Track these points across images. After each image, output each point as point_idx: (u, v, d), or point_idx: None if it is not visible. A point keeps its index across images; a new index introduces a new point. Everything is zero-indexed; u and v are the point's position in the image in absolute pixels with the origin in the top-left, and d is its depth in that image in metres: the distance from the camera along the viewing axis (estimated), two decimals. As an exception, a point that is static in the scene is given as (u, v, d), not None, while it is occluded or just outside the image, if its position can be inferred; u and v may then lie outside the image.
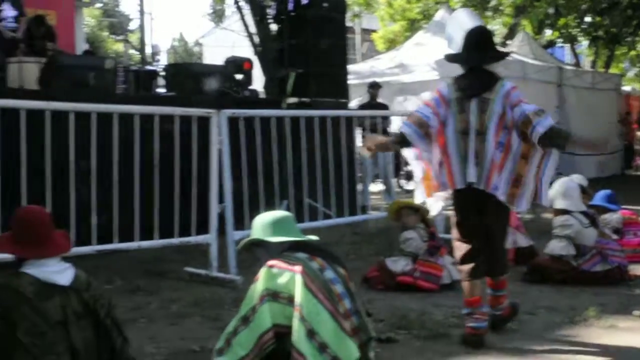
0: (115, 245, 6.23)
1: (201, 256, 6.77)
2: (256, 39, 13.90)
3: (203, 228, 6.66)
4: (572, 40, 24.62)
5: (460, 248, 4.80)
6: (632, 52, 27.64)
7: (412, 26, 25.88)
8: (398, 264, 6.30)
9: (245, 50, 14.31)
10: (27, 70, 8.40)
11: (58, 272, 3.49)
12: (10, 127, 5.88)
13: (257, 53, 13.71)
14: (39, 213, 3.66)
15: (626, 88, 25.92)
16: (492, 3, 22.90)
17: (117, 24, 40.01)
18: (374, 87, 12.18)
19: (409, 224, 6.49)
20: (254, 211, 6.81)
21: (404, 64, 15.92)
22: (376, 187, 11.70)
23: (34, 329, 3.37)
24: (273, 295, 3.63)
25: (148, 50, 22.86)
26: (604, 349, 4.62)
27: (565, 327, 5.11)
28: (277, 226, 3.84)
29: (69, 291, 3.48)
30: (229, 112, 6.75)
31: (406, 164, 14.00)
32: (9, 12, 9.59)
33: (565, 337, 4.89)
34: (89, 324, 3.53)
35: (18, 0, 9.72)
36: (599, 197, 7.60)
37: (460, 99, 4.74)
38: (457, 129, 4.71)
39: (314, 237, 3.96)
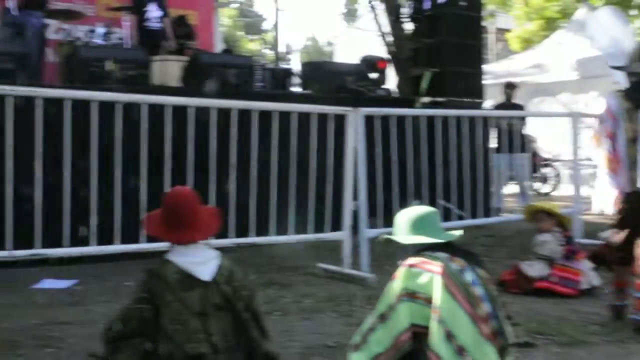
0: (252, 239, 6.38)
1: (333, 253, 6.82)
2: (389, 39, 13.87)
3: (336, 225, 6.73)
4: None
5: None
6: None
7: (550, 25, 25.16)
8: (534, 268, 6.14)
9: (377, 50, 14.30)
10: (169, 68, 8.74)
11: (201, 264, 3.54)
12: (154, 122, 6.10)
13: (390, 52, 13.68)
14: (183, 196, 3.67)
15: None
16: (637, 1, 21.96)
17: (251, 24, 40.92)
18: (510, 87, 11.91)
19: (545, 228, 6.32)
20: (387, 210, 6.89)
21: (541, 63, 15.49)
22: (511, 189, 11.46)
23: (177, 316, 3.47)
24: (412, 295, 3.59)
25: (281, 49, 23.28)
26: None
27: None
28: (418, 224, 3.76)
29: (209, 284, 3.53)
30: (365, 110, 6.77)
31: (542, 166, 13.69)
32: (155, 12, 9.98)
33: None
34: (227, 316, 3.58)
35: (163, 1, 10.11)
36: None
37: (630, 109, 5.04)
38: (627, 138, 5.05)
39: (457, 233, 3.87)
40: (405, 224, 3.80)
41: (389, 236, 3.87)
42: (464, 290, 3.56)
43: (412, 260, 3.68)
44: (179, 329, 3.46)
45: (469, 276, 3.64)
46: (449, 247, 3.73)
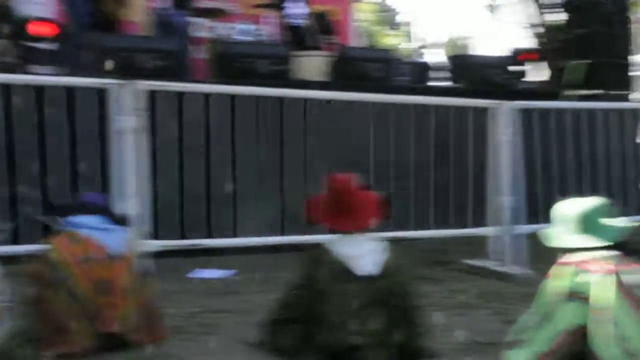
0: (410, 233, 6.37)
1: (483, 249, 6.67)
2: (538, 30, 13.52)
3: (483, 220, 6.60)
4: None
5: None
6: None
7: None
8: None
9: (520, 41, 13.95)
10: (312, 63, 8.83)
11: (360, 257, 3.52)
12: (294, 116, 6.16)
13: (539, 44, 13.34)
14: (346, 181, 3.65)
15: None
16: None
17: (389, 18, 40.86)
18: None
19: None
20: (543, 205, 6.69)
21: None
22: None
23: (334, 307, 3.48)
24: (576, 294, 3.44)
25: (419, 43, 23.15)
26: None
27: None
28: (585, 222, 3.47)
29: (368, 278, 3.52)
30: (516, 104, 6.58)
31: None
32: (297, 9, 10.13)
33: None
34: (384, 309, 3.57)
35: (305, -3, 10.25)
36: None
37: None
38: None
39: (628, 226, 3.61)
40: (569, 221, 3.59)
41: (553, 237, 3.65)
42: (634, 292, 3.38)
43: (575, 257, 3.52)
44: (335, 319, 3.48)
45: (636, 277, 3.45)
46: (618, 246, 3.53)
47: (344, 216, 3.54)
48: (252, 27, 10.22)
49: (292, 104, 6.08)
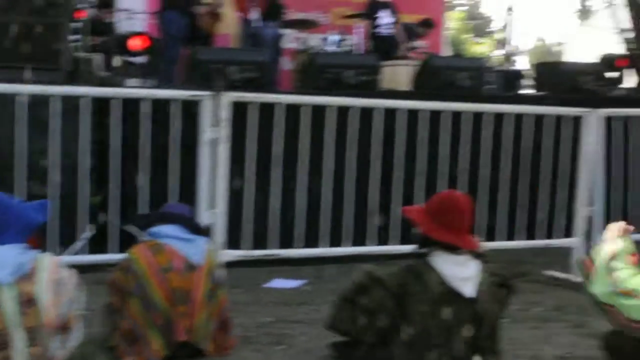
0: (496, 244, 6.21)
1: (561, 260, 6.58)
2: (629, 35, 13.16)
3: (569, 231, 6.52)
4: None
5: None
6: None
7: None
8: None
9: (612, 48, 13.62)
10: (399, 73, 8.88)
11: (467, 279, 3.52)
12: (387, 126, 6.21)
13: (630, 50, 12.98)
14: (463, 201, 3.67)
15: None
16: None
17: (479, 26, 40.44)
18: None
19: None
20: (625, 215, 6.57)
21: None
22: None
23: (424, 326, 3.48)
24: None
25: (510, 51, 22.82)
26: None
27: None
28: None
29: (468, 300, 3.52)
30: (604, 111, 6.49)
31: None
32: (386, 18, 10.21)
33: None
34: (471, 330, 3.56)
35: (394, 7, 10.30)
36: None
37: None
38: None
39: None
40: None
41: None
42: None
43: None
44: (422, 337, 3.49)
45: None
46: None
47: (457, 232, 3.54)
48: (342, 37, 10.34)
49: (378, 114, 6.11)
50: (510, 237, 6.40)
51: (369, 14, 10.37)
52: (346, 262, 6.11)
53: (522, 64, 26.78)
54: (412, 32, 10.97)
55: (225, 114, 5.21)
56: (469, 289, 3.50)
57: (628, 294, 3.36)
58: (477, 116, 6.38)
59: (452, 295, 3.48)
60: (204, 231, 4.39)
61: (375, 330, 3.61)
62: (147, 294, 3.86)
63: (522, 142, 6.54)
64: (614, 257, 3.48)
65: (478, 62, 9.71)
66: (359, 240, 6.03)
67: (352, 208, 6.04)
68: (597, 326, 4.88)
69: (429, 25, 11.51)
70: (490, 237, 6.31)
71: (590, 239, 6.36)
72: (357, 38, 10.85)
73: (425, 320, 3.47)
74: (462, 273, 3.52)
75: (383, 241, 6.08)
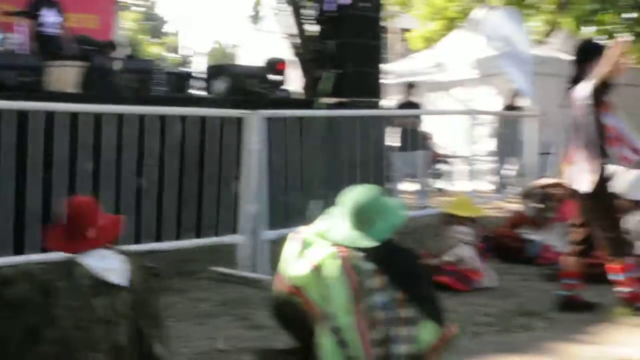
0: (147, 246, 6.33)
1: (231, 256, 6.80)
2: (295, 40, 14.02)
3: (234, 228, 6.76)
4: (612, 36, 24.31)
5: None
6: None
7: (450, 25, 25.76)
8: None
9: (283, 52, 14.42)
10: (66, 74, 8.59)
11: (112, 270, 3.52)
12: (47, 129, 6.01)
13: (296, 54, 13.82)
14: (76, 206, 3.66)
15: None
16: (532, 0, 22.71)
17: (155, 27, 40.42)
18: (410, 87, 12.22)
19: (461, 223, 6.46)
20: (287, 211, 6.99)
21: (441, 62, 15.88)
22: (408, 186, 11.70)
23: (79, 323, 3.41)
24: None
25: (185, 53, 23.17)
26: (631, 345, 4.64)
27: (594, 324, 5.13)
28: (360, 217, 3.70)
29: (119, 290, 3.51)
30: (264, 112, 6.83)
31: (438, 162, 14.03)
32: (52, 17, 9.81)
33: (593, 334, 4.93)
34: (132, 323, 3.57)
35: (60, 5, 9.94)
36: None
37: None
38: None
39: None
40: (347, 214, 3.73)
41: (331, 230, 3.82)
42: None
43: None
44: (78, 336, 3.41)
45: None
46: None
47: (82, 239, 3.54)
48: (4, 35, 9.75)
49: (39, 117, 5.89)
50: (178, 237, 6.50)
51: (32, 12, 9.88)
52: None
53: (201, 65, 27.28)
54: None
55: None
56: (118, 278, 3.53)
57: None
58: (143, 118, 6.39)
59: (100, 285, 3.49)
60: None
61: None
62: None
63: (187, 143, 6.66)
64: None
65: (147, 64, 9.72)
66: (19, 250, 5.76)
67: (12, 215, 5.76)
68: (261, 318, 5.16)
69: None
70: (158, 237, 6.38)
71: (255, 235, 6.69)
72: (21, 37, 10.30)
73: (79, 316, 3.44)
74: (108, 265, 3.54)
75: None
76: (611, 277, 5.33)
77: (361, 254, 3.64)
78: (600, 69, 5.13)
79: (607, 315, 5.29)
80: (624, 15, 21.99)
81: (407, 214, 3.87)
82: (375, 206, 3.75)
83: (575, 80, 5.44)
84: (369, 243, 3.66)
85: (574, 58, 5.61)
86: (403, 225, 3.79)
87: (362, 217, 3.70)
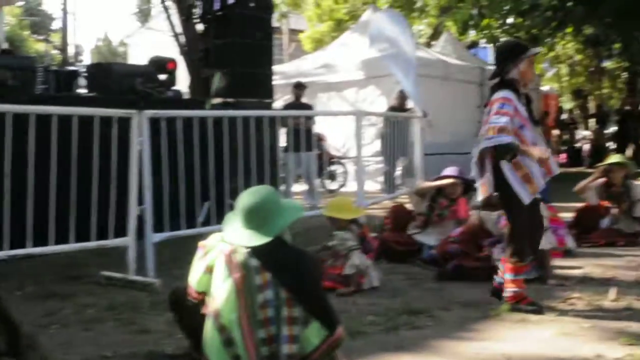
0: (29, 250, 6.13)
1: (119, 260, 6.65)
2: (182, 39, 13.82)
3: (122, 231, 6.60)
4: (494, 40, 25.10)
5: None
6: (551, 53, 28.40)
7: (339, 27, 26.09)
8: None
9: (172, 50, 14.20)
10: None
11: None
12: None
13: (182, 53, 13.64)
14: None
15: (544, 88, 26.69)
16: (418, 4, 23.22)
17: (39, 23, 39.09)
18: (299, 87, 12.28)
19: (342, 225, 6.47)
20: (174, 214, 6.88)
21: (330, 64, 16.07)
22: (300, 187, 11.76)
23: None
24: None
25: (71, 50, 22.44)
26: (512, 341, 4.77)
27: (478, 321, 5.25)
28: (252, 217, 3.77)
29: None
30: (150, 112, 6.71)
31: (331, 164, 14.18)
32: None
33: (477, 331, 5.03)
34: None
35: None
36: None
37: None
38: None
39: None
40: (241, 215, 3.79)
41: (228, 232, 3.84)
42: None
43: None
44: None
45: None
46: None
47: None
48: None
49: None
50: (64, 241, 6.28)
51: None
52: None
53: (84, 63, 26.61)
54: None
55: None
56: None
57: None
58: (22, 117, 6.15)
59: None
60: None
61: None
62: None
63: (71, 144, 6.44)
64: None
65: (28, 61, 9.38)
66: None
67: None
68: (148, 322, 5.08)
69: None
70: (42, 241, 6.16)
71: (142, 237, 6.56)
72: None
73: None
74: None
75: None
76: (505, 275, 5.47)
77: (248, 250, 3.67)
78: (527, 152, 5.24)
79: (491, 312, 5.44)
80: (507, 21, 22.77)
81: (302, 213, 3.89)
82: (268, 205, 3.77)
83: (497, 78, 5.51)
84: (259, 241, 3.67)
85: (497, 58, 5.66)
86: (295, 225, 3.82)
87: (255, 216, 3.72)
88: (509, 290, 5.45)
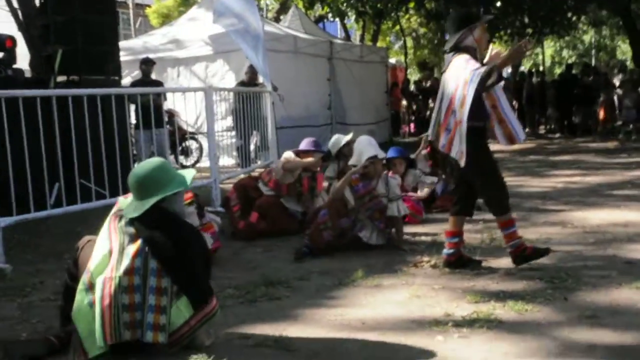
0: None
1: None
2: (21, 15, 13.19)
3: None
4: (342, 15, 25.53)
5: None
6: (397, 27, 29.18)
7: (187, 1, 25.72)
8: None
9: (10, 26, 13.54)
10: None
11: None
12: None
13: (21, 30, 13.02)
14: None
15: (392, 60, 27.43)
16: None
17: None
18: (147, 64, 12.05)
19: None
20: (22, 196, 6.62)
21: (178, 39, 15.81)
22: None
23: None
24: None
25: None
26: (368, 306, 4.94)
27: (334, 289, 5.39)
28: (142, 188, 3.97)
29: None
30: (-11, 92, 6.41)
31: (185, 139, 14.03)
32: None
33: (334, 298, 5.17)
34: None
35: None
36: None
37: None
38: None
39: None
40: (132, 189, 4.00)
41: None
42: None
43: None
44: None
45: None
46: None
47: None
48: None
49: None
50: None
51: None
52: None
53: None
54: None
55: None
56: None
57: None
58: None
59: None
60: None
61: None
62: None
63: None
64: None
65: None
66: None
67: None
68: (1, 309, 4.88)
69: None
70: None
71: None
72: None
73: None
74: None
75: None
76: (502, 231, 5.74)
77: (128, 218, 3.85)
78: (505, 62, 5.40)
79: (347, 279, 5.59)
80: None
81: (183, 187, 4.03)
82: (148, 179, 3.93)
83: (455, 48, 5.63)
84: (137, 212, 3.85)
85: (452, 26, 5.72)
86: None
87: (138, 188, 3.93)
88: (511, 244, 5.69)
